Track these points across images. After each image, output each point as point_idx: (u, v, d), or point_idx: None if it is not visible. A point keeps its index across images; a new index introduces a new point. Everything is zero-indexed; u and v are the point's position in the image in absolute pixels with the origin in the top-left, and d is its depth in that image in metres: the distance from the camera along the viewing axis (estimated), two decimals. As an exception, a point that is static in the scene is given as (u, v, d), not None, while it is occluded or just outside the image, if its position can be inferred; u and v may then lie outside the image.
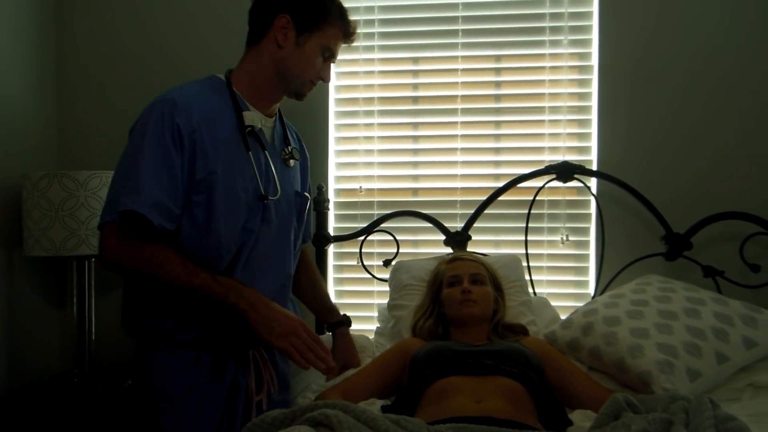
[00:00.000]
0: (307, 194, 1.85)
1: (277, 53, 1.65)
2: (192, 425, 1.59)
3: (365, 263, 2.58)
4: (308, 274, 2.03)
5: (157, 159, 1.50)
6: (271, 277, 1.69)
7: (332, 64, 1.75)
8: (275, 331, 1.49)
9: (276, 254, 1.71)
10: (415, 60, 2.66)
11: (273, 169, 1.69)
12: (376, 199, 2.65)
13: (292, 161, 1.78)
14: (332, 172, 2.66)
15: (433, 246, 2.59)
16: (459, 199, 2.62)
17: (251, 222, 1.64)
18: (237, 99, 1.66)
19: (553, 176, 2.47)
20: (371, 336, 2.30)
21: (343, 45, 1.73)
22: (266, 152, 1.69)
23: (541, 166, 2.49)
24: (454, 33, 2.60)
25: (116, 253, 1.51)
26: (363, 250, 2.57)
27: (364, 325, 2.52)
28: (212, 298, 1.51)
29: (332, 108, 2.66)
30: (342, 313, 2.06)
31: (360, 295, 2.66)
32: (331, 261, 2.65)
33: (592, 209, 2.54)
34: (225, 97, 1.65)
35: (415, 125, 2.65)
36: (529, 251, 2.51)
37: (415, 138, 2.67)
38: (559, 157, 2.54)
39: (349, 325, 2.05)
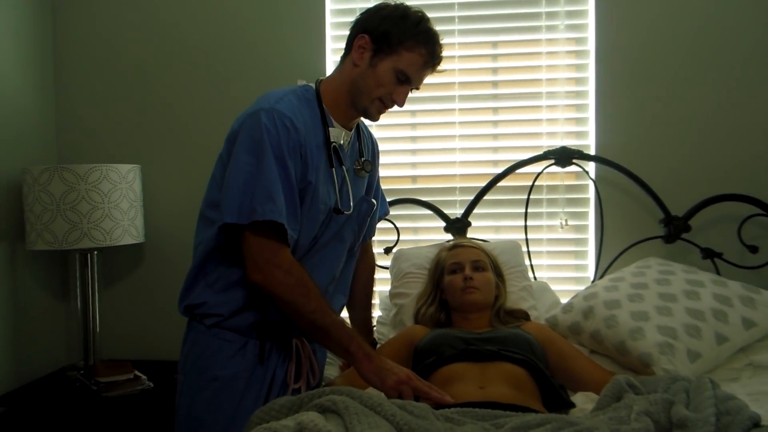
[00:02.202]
0: (373, 200, 1.88)
1: (353, 71, 1.67)
2: (237, 408, 1.65)
3: (366, 251, 2.59)
4: (366, 288, 2.10)
5: (281, 171, 1.55)
6: (319, 278, 1.71)
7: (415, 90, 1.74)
8: (389, 379, 1.53)
9: (328, 257, 1.75)
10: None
11: (349, 184, 1.74)
12: (376, 187, 2.66)
13: (363, 173, 1.82)
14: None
15: (434, 233, 2.61)
16: (458, 185, 2.63)
17: (320, 229, 1.70)
18: (325, 114, 1.70)
19: (552, 161, 2.48)
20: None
21: (429, 73, 1.72)
22: (343, 167, 1.73)
23: (540, 152, 2.49)
24: (450, 20, 2.60)
25: (264, 280, 1.56)
26: (364, 239, 2.59)
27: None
28: (332, 340, 1.59)
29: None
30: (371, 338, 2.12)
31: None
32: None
33: (591, 193, 2.55)
34: (315, 109, 1.69)
35: (413, 113, 2.66)
36: (529, 236, 2.53)
37: (413, 125, 2.67)
38: (557, 142, 2.55)
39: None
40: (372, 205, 1.86)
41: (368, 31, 1.65)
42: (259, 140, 1.55)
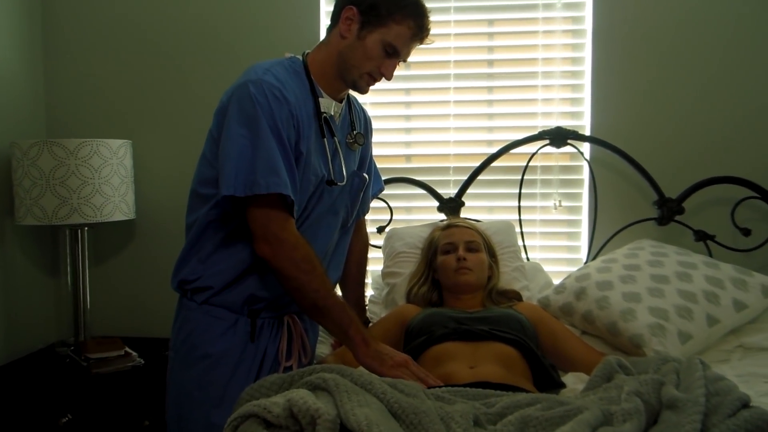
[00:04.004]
0: (365, 175, 1.86)
1: (340, 43, 1.65)
2: (227, 385, 1.65)
3: (359, 230, 2.57)
4: (360, 266, 2.08)
5: (278, 143, 1.54)
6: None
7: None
8: (386, 363, 1.54)
9: (321, 231, 1.74)
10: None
11: (341, 155, 1.72)
12: (369, 166, 2.64)
13: (355, 146, 1.80)
14: (325, 138, 2.63)
15: (427, 212, 2.59)
16: (452, 165, 2.61)
17: (311, 201, 1.68)
18: (314, 84, 1.68)
19: (547, 142, 2.46)
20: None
21: (417, 45, 1.71)
22: (335, 138, 1.72)
23: (534, 132, 2.48)
24: (446, -3, 2.57)
25: (271, 253, 1.56)
26: (356, 217, 2.57)
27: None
28: (332, 321, 1.59)
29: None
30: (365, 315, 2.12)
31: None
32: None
33: (585, 175, 2.54)
34: (304, 80, 1.68)
35: (407, 91, 2.63)
36: (522, 217, 2.52)
37: (408, 104, 2.65)
38: (552, 123, 2.53)
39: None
40: (364, 179, 1.85)
41: (356, 3, 1.63)
42: (251, 112, 1.53)
